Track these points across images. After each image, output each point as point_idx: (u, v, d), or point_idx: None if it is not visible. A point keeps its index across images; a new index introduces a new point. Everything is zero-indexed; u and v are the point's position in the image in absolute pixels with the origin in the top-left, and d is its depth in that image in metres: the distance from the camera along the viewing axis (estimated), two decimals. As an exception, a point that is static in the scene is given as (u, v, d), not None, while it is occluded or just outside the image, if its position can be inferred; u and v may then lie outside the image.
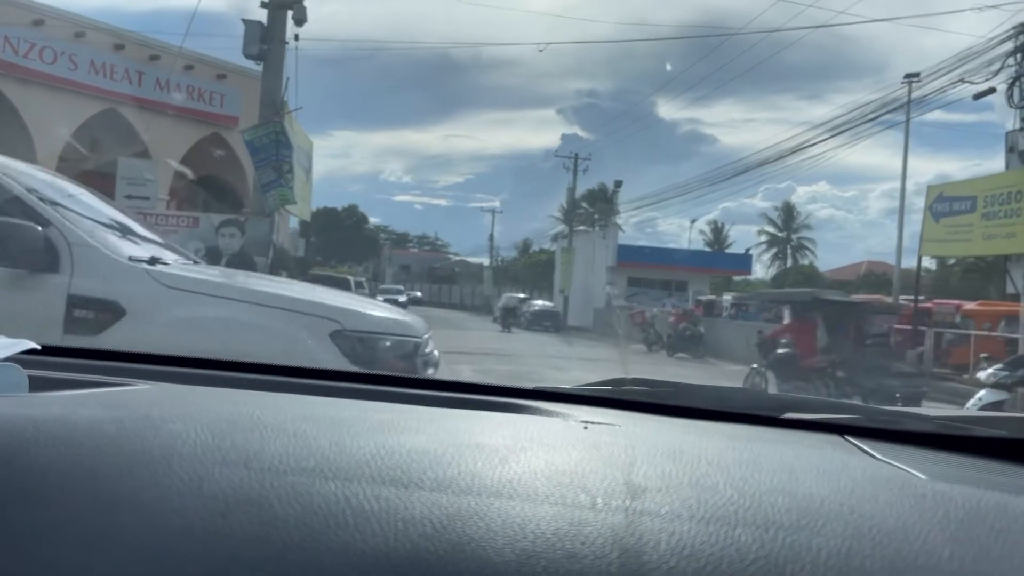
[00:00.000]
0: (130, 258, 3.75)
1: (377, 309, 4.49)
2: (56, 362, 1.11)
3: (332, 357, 3.60)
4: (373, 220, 78.41)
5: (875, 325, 12.09)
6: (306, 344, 3.68)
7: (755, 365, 11.47)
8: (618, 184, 41.93)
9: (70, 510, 0.62)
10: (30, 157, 19.08)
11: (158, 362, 1.29)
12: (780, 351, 11.50)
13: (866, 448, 1.00)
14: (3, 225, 3.48)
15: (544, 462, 0.76)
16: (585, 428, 0.98)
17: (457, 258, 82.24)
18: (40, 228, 3.52)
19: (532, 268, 51.71)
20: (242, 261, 11.45)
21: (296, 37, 12.36)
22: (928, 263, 26.86)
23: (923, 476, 0.84)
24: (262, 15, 11.69)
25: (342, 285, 22.89)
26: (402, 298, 39.69)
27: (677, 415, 1.18)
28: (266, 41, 11.44)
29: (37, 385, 0.92)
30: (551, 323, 33.88)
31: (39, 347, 0.98)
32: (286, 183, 11.48)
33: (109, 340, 3.49)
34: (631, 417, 1.13)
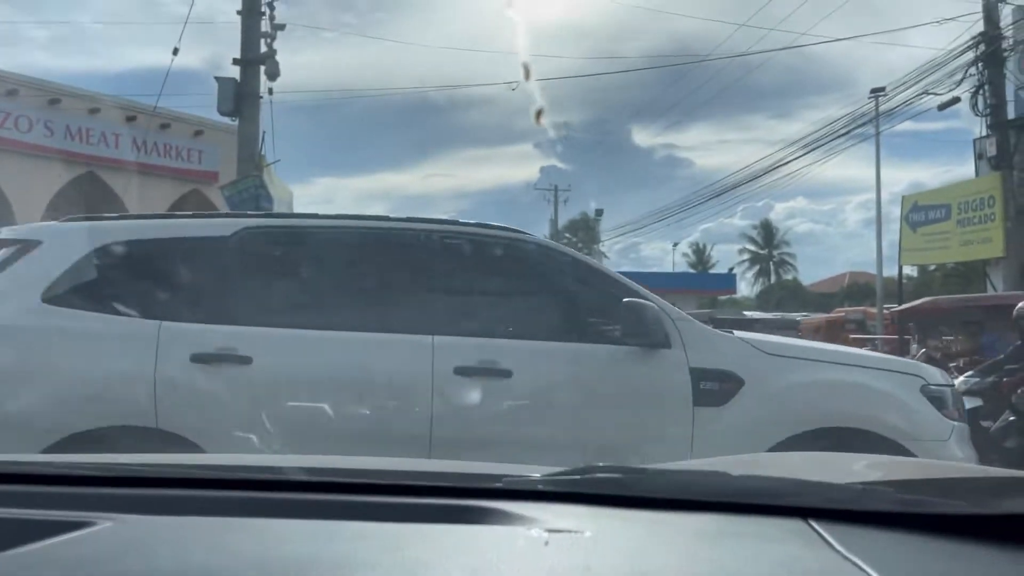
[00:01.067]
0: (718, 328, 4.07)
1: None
2: (19, 493, 1.02)
3: (927, 411, 3.87)
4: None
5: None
6: (905, 400, 3.91)
7: None
8: (599, 212, 42.30)
9: None
10: (10, 224, 19.06)
11: (99, 484, 1.15)
12: None
13: (828, 537, 0.99)
14: (632, 305, 3.70)
15: None
16: (546, 544, 0.94)
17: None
18: (656, 306, 3.75)
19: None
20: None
21: (270, 91, 12.50)
22: (910, 270, 27.09)
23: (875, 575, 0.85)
24: (235, 71, 11.82)
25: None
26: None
27: (646, 507, 1.13)
28: (240, 97, 11.55)
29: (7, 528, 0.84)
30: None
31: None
32: (267, 237, 11.59)
33: (735, 408, 3.77)
34: (598, 516, 1.09)
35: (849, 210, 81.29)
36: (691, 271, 50.92)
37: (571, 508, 1.11)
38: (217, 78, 11.68)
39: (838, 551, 0.93)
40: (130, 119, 21.59)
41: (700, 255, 55.64)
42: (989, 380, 6.71)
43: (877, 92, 18.40)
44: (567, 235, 50.21)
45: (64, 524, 0.87)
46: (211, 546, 0.90)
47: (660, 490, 1.20)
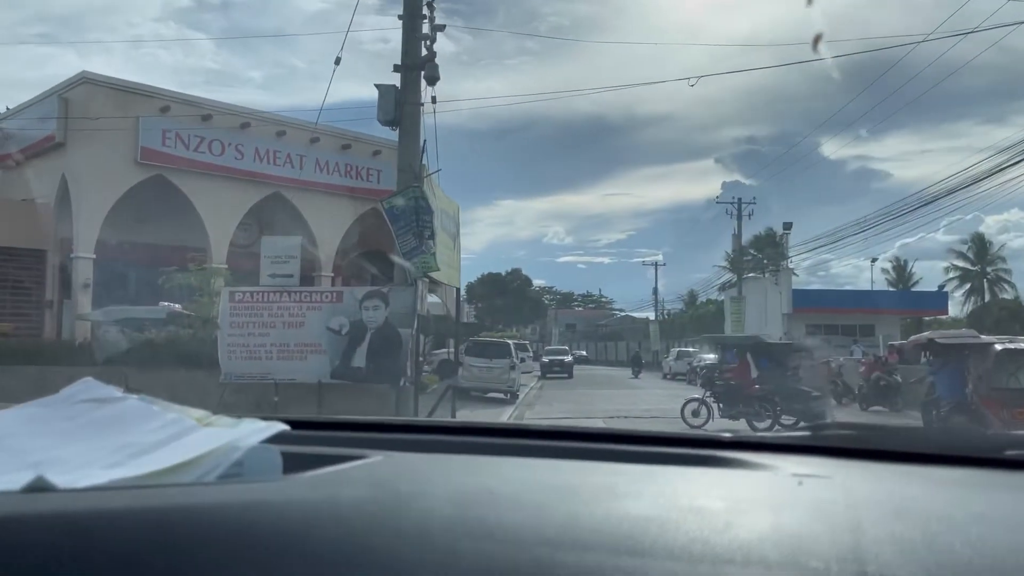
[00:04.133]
0: None
1: None
2: (296, 435, 1.10)
3: None
4: (537, 282, 79.32)
5: (792, 361, 15.56)
6: None
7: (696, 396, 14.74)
8: (787, 226, 39.39)
9: None
10: (204, 244, 20.16)
11: (378, 430, 1.40)
12: (720, 382, 15.12)
13: None
14: None
15: (769, 525, 0.75)
16: (800, 484, 0.95)
17: (622, 314, 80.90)
18: None
19: (699, 320, 49.74)
20: (387, 334, 11.02)
21: (433, 99, 12.05)
22: None
23: None
24: (396, 79, 11.46)
25: (502, 350, 22.43)
26: (567, 358, 39.09)
27: (886, 460, 1.13)
28: (400, 105, 11.15)
29: (289, 462, 0.94)
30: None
31: (288, 428, 1.01)
32: (428, 249, 11.02)
33: None
34: (841, 466, 1.09)
35: (1073, 223, 72.30)
36: (890, 289, 46.82)
37: (808, 459, 1.12)
38: (378, 85, 11.37)
39: None
40: (314, 141, 22.32)
41: (901, 272, 51.57)
42: None
43: None
44: (752, 251, 47.67)
45: (346, 457, 1.01)
46: (478, 475, 0.99)
47: (904, 444, 1.23)
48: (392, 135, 12.28)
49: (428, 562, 0.67)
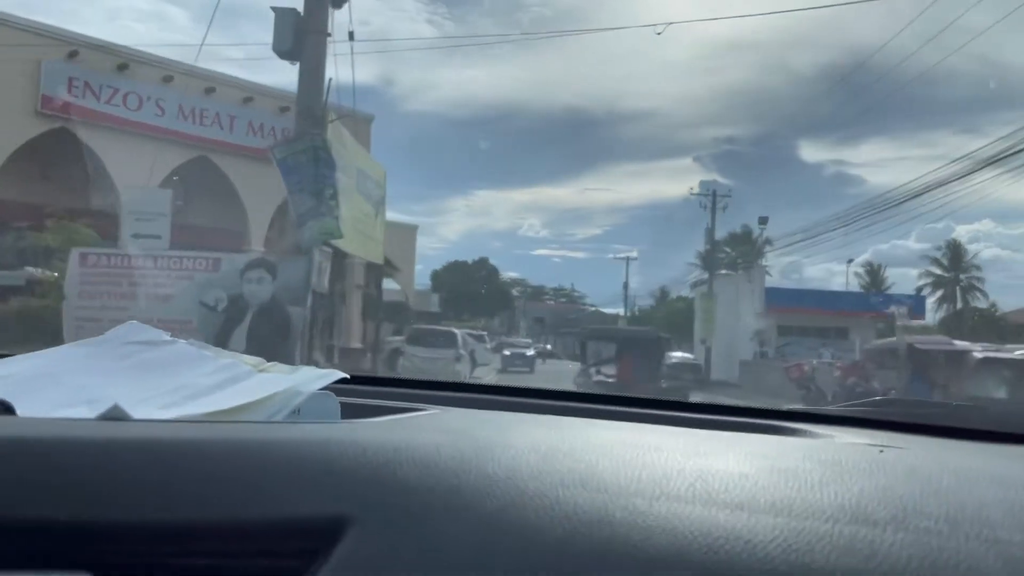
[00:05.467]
0: None
1: None
2: (351, 389, 1.14)
3: None
4: (511, 274, 77.58)
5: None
6: None
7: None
8: (763, 220, 37.87)
9: (449, 526, 0.63)
10: (114, 208, 17.96)
11: (435, 388, 1.43)
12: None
13: None
14: None
15: (868, 486, 0.73)
16: (881, 452, 0.94)
17: (592, 309, 79.43)
18: None
19: (669, 317, 48.40)
20: (272, 312, 8.98)
21: (351, 35, 10.01)
22: None
23: None
24: (297, 2, 9.39)
25: (447, 339, 20.54)
26: (529, 352, 37.43)
27: (951, 437, 1.14)
28: (301, 35, 9.08)
29: (345, 412, 0.97)
30: (691, 377, 30.54)
31: (348, 376, 1.03)
32: (329, 212, 8.97)
33: None
34: (908, 440, 1.10)
35: (1043, 235, 72.37)
36: (860, 292, 46.14)
37: (868, 432, 1.13)
38: (274, 8, 9.27)
39: None
40: (247, 100, 20.19)
41: (875, 276, 50.85)
42: None
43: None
44: (726, 249, 46.31)
45: (403, 409, 1.04)
46: (554, 430, 0.96)
47: (967, 421, 1.22)
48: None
49: (521, 506, 0.64)
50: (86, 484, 0.64)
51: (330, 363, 17.25)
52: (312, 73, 9.31)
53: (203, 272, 9.38)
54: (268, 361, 1.03)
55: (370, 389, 1.25)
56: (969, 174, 20.08)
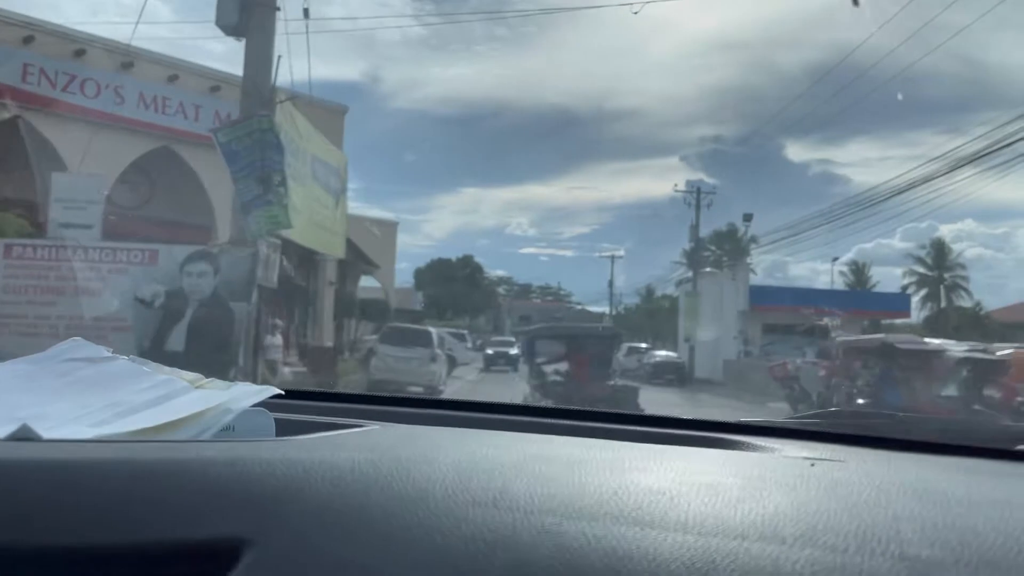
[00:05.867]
0: None
1: None
2: (290, 404, 1.13)
3: None
4: (498, 272, 77.11)
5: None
6: None
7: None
8: (747, 217, 37.40)
9: (350, 548, 0.62)
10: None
11: (376, 403, 1.42)
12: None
13: None
14: None
15: (783, 503, 0.73)
16: (812, 465, 0.93)
17: (579, 307, 79.09)
18: None
19: (653, 315, 48.11)
20: (214, 309, 8.27)
21: (306, 12, 9.32)
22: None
23: None
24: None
25: (421, 338, 19.85)
26: (513, 351, 36.97)
27: (894, 448, 1.14)
28: (247, 8, 8.38)
29: (281, 428, 0.94)
30: (674, 376, 30.17)
31: (283, 392, 1.01)
32: (277, 199, 8.26)
33: None
34: (851, 452, 1.09)
35: (1023, 235, 73.05)
36: (845, 290, 46.05)
37: (814, 445, 1.13)
38: (216, -22, 8.58)
39: None
40: (214, 89, 19.41)
41: (859, 274, 50.77)
42: None
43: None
44: (711, 247, 45.96)
45: (340, 425, 1.00)
46: (479, 446, 0.94)
47: (914, 433, 1.24)
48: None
49: (429, 526, 0.64)
50: None
51: (288, 364, 16.58)
52: (259, 50, 8.61)
53: (139, 265, 8.64)
54: (212, 361, 1.21)
55: (314, 405, 1.25)
56: (949, 172, 19.91)
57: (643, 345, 38.23)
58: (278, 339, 15.68)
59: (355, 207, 28.17)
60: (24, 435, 0.76)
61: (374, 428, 1.01)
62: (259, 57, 8.63)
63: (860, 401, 17.24)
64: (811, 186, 78.83)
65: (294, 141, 8.93)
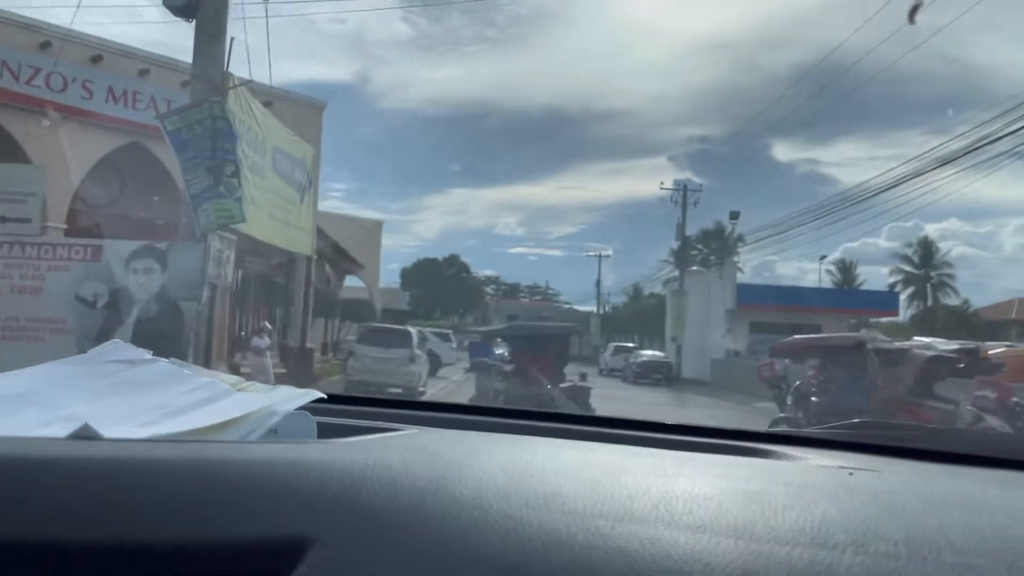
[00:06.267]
0: None
1: None
2: (332, 409, 1.14)
3: None
4: (486, 272, 76.81)
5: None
6: None
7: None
8: (734, 215, 37.05)
9: (410, 548, 0.63)
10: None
11: (412, 407, 1.49)
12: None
13: None
14: None
15: (830, 510, 0.73)
16: (850, 475, 0.93)
17: (567, 306, 78.80)
18: None
19: (641, 314, 47.80)
20: (162, 308, 7.78)
21: (263, -4, 8.82)
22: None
23: None
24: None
25: (400, 338, 19.38)
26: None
27: (923, 459, 1.15)
28: (197, -13, 7.90)
29: (321, 431, 0.96)
30: (662, 375, 29.86)
31: (325, 396, 1.03)
32: (229, 192, 7.77)
33: None
34: (883, 462, 1.10)
35: (1007, 233, 73.59)
36: (833, 288, 45.91)
37: (848, 455, 1.13)
38: (163, -44, 8.07)
39: None
40: (185, 84, 18.88)
41: (847, 273, 50.74)
42: None
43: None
44: (698, 246, 45.69)
45: (382, 428, 1.04)
46: (525, 451, 0.96)
47: (948, 445, 1.22)
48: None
49: (485, 527, 0.65)
50: (53, 503, 0.65)
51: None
52: (210, 33, 8.13)
53: (81, 262, 8.12)
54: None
55: (351, 409, 1.26)
56: (933, 170, 19.79)
57: (630, 344, 37.92)
58: (266, 341, 15.18)
59: (344, 207, 27.77)
60: (86, 434, 0.76)
61: (410, 432, 1.02)
62: (210, 40, 8.14)
63: (821, 400, 16.95)
64: (798, 185, 79.04)
65: (252, 130, 8.46)
